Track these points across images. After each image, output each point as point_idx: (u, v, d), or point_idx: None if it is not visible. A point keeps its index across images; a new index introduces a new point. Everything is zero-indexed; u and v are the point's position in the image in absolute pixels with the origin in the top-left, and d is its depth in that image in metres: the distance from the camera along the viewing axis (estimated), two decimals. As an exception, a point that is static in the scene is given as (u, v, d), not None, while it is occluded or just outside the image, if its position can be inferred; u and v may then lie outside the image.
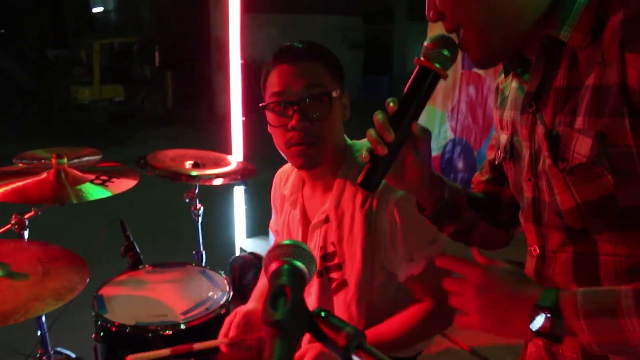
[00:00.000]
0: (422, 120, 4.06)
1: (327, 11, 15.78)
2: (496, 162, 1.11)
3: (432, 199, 1.10)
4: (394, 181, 1.03)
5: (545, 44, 0.91)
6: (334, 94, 1.36)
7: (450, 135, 3.80)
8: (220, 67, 13.71)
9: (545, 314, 0.82)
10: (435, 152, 3.92)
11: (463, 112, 3.67)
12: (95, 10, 19.12)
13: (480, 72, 3.52)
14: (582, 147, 0.85)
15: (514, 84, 1.04)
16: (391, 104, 0.96)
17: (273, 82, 1.36)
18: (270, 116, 1.38)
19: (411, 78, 0.96)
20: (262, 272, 1.75)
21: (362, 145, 1.47)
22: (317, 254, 1.46)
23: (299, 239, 1.52)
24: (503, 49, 0.95)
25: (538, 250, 1.00)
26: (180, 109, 13.97)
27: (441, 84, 3.76)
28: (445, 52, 0.94)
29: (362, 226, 1.36)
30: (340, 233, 1.41)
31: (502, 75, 1.12)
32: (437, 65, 0.94)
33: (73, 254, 1.85)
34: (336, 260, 1.43)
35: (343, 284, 1.43)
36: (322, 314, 0.69)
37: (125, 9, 18.32)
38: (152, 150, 2.51)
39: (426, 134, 0.98)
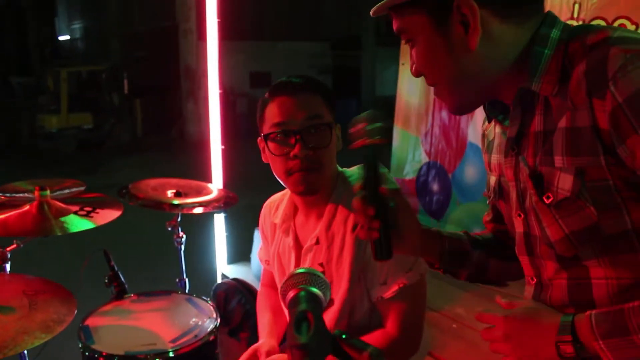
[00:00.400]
0: (397, 144, 4.15)
1: (295, 37, 15.98)
2: (488, 202, 1.22)
3: (436, 253, 1.20)
4: (400, 249, 1.12)
5: (520, 94, 0.99)
6: (332, 125, 1.43)
7: (424, 158, 3.88)
8: (190, 94, 13.73)
9: (567, 340, 0.90)
10: (410, 175, 3.99)
11: (437, 136, 3.76)
12: (62, 38, 18.95)
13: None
14: (564, 182, 0.93)
15: (497, 129, 1.14)
16: (360, 193, 1.06)
17: (273, 113, 1.41)
18: (271, 146, 1.42)
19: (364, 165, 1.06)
20: (262, 307, 1.80)
21: (352, 172, 1.52)
22: None
23: (292, 265, 1.55)
24: (475, 99, 1.06)
25: (535, 280, 1.08)
26: (150, 136, 13.88)
27: (414, 108, 3.84)
28: (379, 124, 1.06)
29: (352, 248, 1.41)
30: (330, 254, 1.45)
31: (486, 122, 1.21)
32: (378, 138, 1.05)
33: (58, 285, 1.84)
34: None
35: (330, 302, 1.47)
36: (344, 336, 0.73)
37: (92, 37, 18.21)
38: (124, 179, 2.50)
39: (397, 190, 1.10)
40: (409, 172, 4.01)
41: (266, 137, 1.43)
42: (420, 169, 3.94)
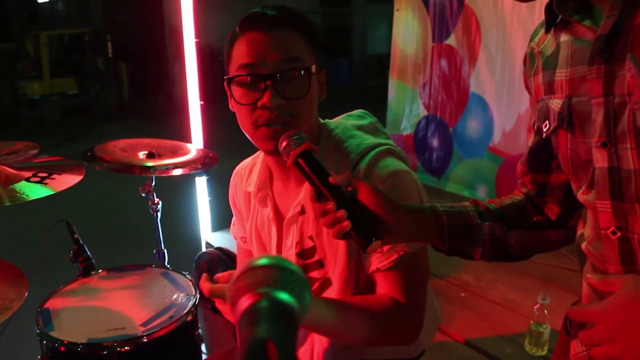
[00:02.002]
0: (392, 97, 3.90)
1: (283, -6, 15.53)
2: (544, 136, 0.94)
3: (434, 233, 0.99)
4: (388, 238, 0.96)
5: None
6: (313, 69, 1.15)
7: (423, 112, 3.62)
8: (177, 56, 13.32)
9: None
10: (407, 130, 3.74)
11: (436, 88, 3.49)
12: (41, 0, 18.36)
13: (453, 44, 3.35)
14: None
15: (564, 37, 0.87)
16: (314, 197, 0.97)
17: (241, 52, 1.13)
18: (236, 91, 1.15)
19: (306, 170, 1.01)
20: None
21: (337, 124, 1.27)
22: (292, 252, 1.26)
23: (274, 240, 1.31)
24: None
25: (619, 233, 0.81)
26: (137, 101, 13.56)
27: (410, 58, 3.53)
28: (295, 137, 1.02)
29: None
30: (319, 225, 1.21)
31: (538, 37, 0.97)
32: (304, 143, 1.01)
33: (8, 264, 1.61)
34: (316, 257, 1.24)
35: (327, 282, 1.24)
36: None
37: (73, -2, 17.63)
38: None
39: (349, 177, 0.96)
40: (406, 127, 3.76)
41: (229, 81, 1.15)
42: (419, 123, 3.69)
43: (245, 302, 0.50)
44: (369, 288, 1.22)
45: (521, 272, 2.32)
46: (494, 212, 1.05)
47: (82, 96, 12.67)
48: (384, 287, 1.18)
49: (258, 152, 1.39)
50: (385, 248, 1.14)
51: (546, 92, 0.92)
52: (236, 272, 0.57)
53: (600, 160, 0.81)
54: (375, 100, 6.95)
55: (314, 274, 1.26)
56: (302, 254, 1.26)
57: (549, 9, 0.89)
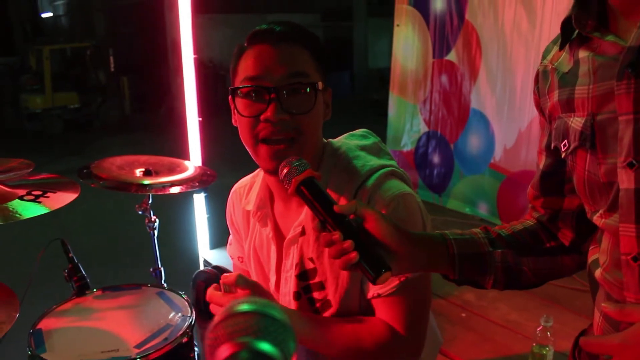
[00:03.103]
0: (393, 113, 3.88)
1: (284, 10, 15.60)
2: (562, 156, 0.90)
3: (444, 262, 0.95)
4: (397, 268, 0.91)
5: None
6: (319, 86, 1.13)
7: (423, 128, 3.60)
8: (179, 70, 13.36)
9: None
10: (408, 147, 3.72)
11: (436, 104, 3.48)
12: (44, 15, 18.49)
13: (454, 60, 3.34)
14: None
15: (582, 54, 0.84)
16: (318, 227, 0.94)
17: (248, 65, 1.11)
18: (240, 103, 1.13)
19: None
20: None
21: (340, 143, 1.24)
22: (292, 273, 1.23)
23: (274, 260, 1.28)
24: None
25: None
26: (138, 114, 13.59)
27: (411, 74, 3.51)
28: (296, 163, 0.99)
29: None
30: (320, 247, 1.18)
31: (551, 54, 0.94)
32: (307, 169, 0.98)
33: None
34: (317, 279, 1.21)
35: (327, 304, 1.21)
36: None
37: (76, 13, 17.74)
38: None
39: (354, 205, 0.92)
40: (407, 144, 3.74)
41: (234, 92, 1.13)
42: (419, 139, 3.66)
43: (224, 352, 0.47)
44: (369, 310, 1.19)
45: (523, 292, 2.28)
46: (505, 238, 1.01)
47: (83, 110, 12.71)
48: (383, 314, 1.15)
49: (257, 170, 1.36)
50: None
51: (564, 110, 0.88)
52: (215, 318, 0.54)
53: (626, 181, 0.77)
54: (377, 114, 6.95)
55: (315, 294, 1.23)
56: (303, 275, 1.23)
57: (566, 25, 0.86)
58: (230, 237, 1.49)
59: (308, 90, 1.11)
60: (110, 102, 13.03)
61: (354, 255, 0.85)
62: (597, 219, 0.85)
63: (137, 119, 13.28)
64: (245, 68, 1.12)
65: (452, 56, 3.37)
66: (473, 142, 3.30)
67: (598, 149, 0.81)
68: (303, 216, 1.19)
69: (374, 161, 1.20)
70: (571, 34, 0.86)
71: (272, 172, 1.14)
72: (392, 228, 0.90)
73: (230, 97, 1.18)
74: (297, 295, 1.24)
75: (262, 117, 1.09)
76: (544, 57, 0.96)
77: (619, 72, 0.75)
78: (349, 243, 0.86)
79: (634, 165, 0.75)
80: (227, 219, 1.46)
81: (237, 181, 1.46)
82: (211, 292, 1.15)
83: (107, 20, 16.90)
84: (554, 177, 0.99)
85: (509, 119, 3.09)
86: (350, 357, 1.13)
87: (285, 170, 0.99)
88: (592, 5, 0.82)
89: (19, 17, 17.42)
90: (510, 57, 3.05)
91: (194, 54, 2.67)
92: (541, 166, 1.01)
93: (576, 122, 0.84)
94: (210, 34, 13.47)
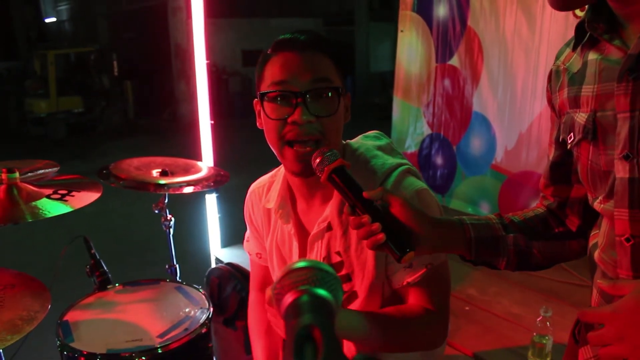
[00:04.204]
0: (397, 116, 3.96)
1: (286, 14, 15.67)
2: (568, 147, 1.01)
3: (461, 244, 1.05)
4: (419, 249, 1.01)
5: None
6: (341, 91, 1.22)
7: (427, 130, 3.68)
8: (182, 74, 13.45)
9: None
10: (412, 148, 3.80)
11: (439, 107, 3.56)
12: (48, 20, 18.57)
13: (456, 65, 3.42)
14: None
15: (592, 55, 0.94)
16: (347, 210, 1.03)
17: (274, 71, 1.18)
18: (268, 107, 1.20)
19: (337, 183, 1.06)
20: (255, 329, 1.53)
21: (359, 144, 1.33)
22: None
23: (296, 255, 1.35)
24: None
25: (633, 240, 0.88)
26: (142, 118, 13.65)
27: (414, 78, 3.58)
28: (327, 153, 1.08)
29: None
30: (347, 241, 1.26)
31: (564, 55, 1.04)
32: (337, 159, 1.07)
33: (31, 278, 1.67)
34: (344, 271, 1.28)
35: (353, 295, 1.29)
36: None
37: (79, 18, 17.83)
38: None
39: (381, 191, 1.01)
40: (411, 145, 3.82)
41: (262, 96, 1.21)
42: (423, 141, 3.74)
43: (289, 298, 0.58)
44: (393, 300, 1.28)
45: (524, 286, 2.36)
46: (517, 224, 1.11)
47: (87, 114, 12.73)
48: (416, 299, 1.25)
49: (275, 170, 1.44)
50: (414, 263, 1.21)
51: (571, 106, 0.98)
52: (279, 274, 0.64)
53: (621, 171, 0.88)
54: (378, 118, 7.02)
55: (342, 287, 1.31)
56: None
57: (579, 28, 0.96)
58: (247, 234, 1.56)
59: (331, 94, 1.18)
60: (114, 106, 13.05)
61: (382, 236, 0.95)
62: (597, 205, 0.95)
63: (140, 123, 13.35)
64: (272, 74, 1.19)
65: (454, 61, 3.45)
66: (475, 144, 3.38)
67: (599, 141, 0.91)
68: (328, 212, 1.26)
69: (391, 160, 1.28)
70: (583, 37, 0.96)
71: (298, 174, 1.22)
72: (415, 212, 1.00)
73: (256, 101, 1.26)
74: None
75: (289, 119, 1.16)
76: (557, 58, 1.06)
77: (620, 75, 0.86)
78: (376, 225, 0.96)
79: (629, 157, 0.86)
80: (245, 218, 1.52)
81: (244, 182, 1.52)
82: None
83: (111, 25, 16.99)
84: (562, 167, 1.09)
85: (510, 122, 3.17)
86: (400, 337, 1.22)
87: (318, 160, 1.08)
88: (604, 11, 0.91)
89: (23, 22, 17.52)
90: (511, 62, 3.13)
91: (207, 60, 2.76)
92: (551, 157, 1.11)
93: (581, 117, 0.95)
94: (213, 38, 13.57)
